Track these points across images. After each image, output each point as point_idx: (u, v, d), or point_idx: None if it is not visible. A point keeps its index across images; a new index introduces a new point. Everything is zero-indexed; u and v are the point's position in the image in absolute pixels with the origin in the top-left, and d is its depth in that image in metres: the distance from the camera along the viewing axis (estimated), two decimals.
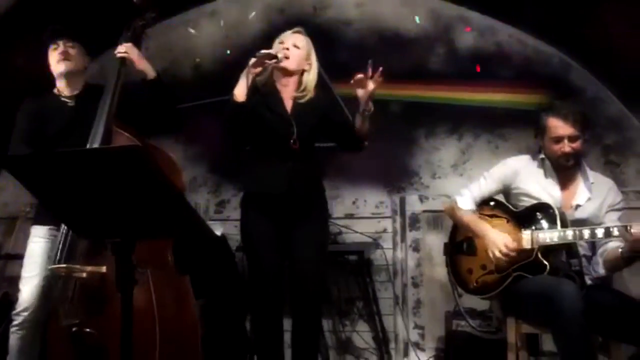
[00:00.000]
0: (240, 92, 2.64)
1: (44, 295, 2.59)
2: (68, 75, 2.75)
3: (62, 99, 2.77)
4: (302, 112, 2.78)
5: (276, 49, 2.75)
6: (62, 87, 2.78)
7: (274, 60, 2.68)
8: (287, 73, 2.78)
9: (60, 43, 2.73)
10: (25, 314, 2.59)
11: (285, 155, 2.72)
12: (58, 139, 2.65)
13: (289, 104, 2.79)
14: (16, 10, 3.80)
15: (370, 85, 2.64)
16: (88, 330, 2.24)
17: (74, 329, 2.26)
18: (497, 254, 2.63)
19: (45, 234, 2.67)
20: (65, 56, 2.72)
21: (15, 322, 2.62)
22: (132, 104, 2.65)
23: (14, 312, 2.63)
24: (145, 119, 2.70)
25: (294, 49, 2.77)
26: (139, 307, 2.26)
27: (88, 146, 2.46)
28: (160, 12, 2.86)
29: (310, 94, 2.82)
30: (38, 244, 2.67)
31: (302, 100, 2.80)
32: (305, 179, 2.78)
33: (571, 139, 2.65)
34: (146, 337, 2.26)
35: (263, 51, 2.67)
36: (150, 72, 2.70)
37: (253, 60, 2.64)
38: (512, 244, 2.62)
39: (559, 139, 2.66)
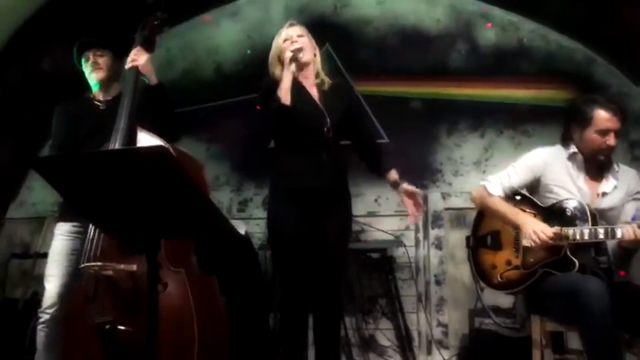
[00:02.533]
0: (285, 94, 2.64)
1: (67, 292, 2.62)
2: (102, 84, 2.83)
3: (95, 102, 2.85)
4: (330, 100, 2.82)
5: (286, 47, 2.77)
6: (97, 93, 2.87)
7: (301, 54, 2.73)
8: (306, 65, 2.82)
9: (90, 54, 2.81)
10: (51, 311, 2.63)
11: (319, 146, 2.74)
12: (86, 139, 2.71)
13: (314, 94, 2.82)
14: (41, 14, 3.87)
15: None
16: (123, 328, 2.27)
17: (107, 327, 2.28)
18: (535, 237, 2.55)
19: (69, 231, 2.71)
20: (95, 66, 2.81)
21: (41, 320, 2.65)
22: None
23: (40, 309, 2.67)
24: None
25: (301, 39, 2.81)
26: (177, 306, 2.31)
27: (110, 146, 2.50)
28: (174, 12, 2.89)
29: (325, 78, 2.87)
30: (61, 242, 2.71)
31: (325, 87, 2.85)
32: (337, 171, 2.82)
33: (617, 133, 2.63)
34: (186, 335, 2.28)
35: (293, 49, 2.71)
36: (153, 79, 2.74)
37: (290, 57, 2.67)
38: (550, 232, 2.57)
39: (606, 132, 2.62)
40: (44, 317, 2.65)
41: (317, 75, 2.86)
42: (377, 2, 4.27)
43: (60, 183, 1.78)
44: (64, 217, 2.74)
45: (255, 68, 4.20)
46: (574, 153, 2.70)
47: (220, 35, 4.43)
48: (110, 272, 2.34)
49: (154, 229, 1.82)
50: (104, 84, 2.84)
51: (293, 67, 2.68)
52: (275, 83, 2.69)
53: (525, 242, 2.62)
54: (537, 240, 2.56)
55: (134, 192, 1.70)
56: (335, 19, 4.26)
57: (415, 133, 4.09)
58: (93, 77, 2.82)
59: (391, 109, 4.09)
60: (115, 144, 2.49)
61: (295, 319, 2.77)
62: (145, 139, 2.55)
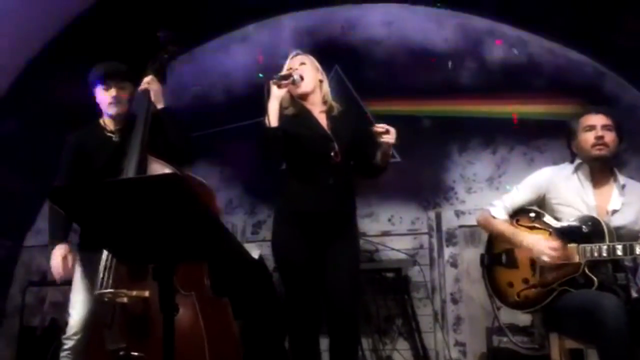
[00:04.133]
0: (272, 117, 2.68)
1: (92, 319, 2.65)
2: (118, 116, 2.84)
3: (107, 133, 2.85)
4: (339, 126, 2.83)
5: (287, 71, 2.80)
6: (108, 121, 2.87)
7: (290, 80, 2.75)
8: (309, 93, 2.84)
9: (112, 85, 2.79)
10: (76, 337, 2.65)
11: (327, 171, 2.75)
12: (104, 172, 2.72)
13: (323, 120, 2.84)
14: (57, 42, 3.95)
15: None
16: (136, 354, 2.28)
17: (121, 353, 2.29)
18: (546, 258, 2.56)
19: (90, 259, 2.72)
20: (118, 100, 2.80)
21: (65, 347, 2.67)
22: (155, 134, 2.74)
23: (65, 336, 2.69)
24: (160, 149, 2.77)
25: (302, 67, 2.83)
26: (188, 330, 2.32)
27: (124, 174, 2.53)
28: (182, 44, 2.95)
29: (334, 103, 2.88)
30: (85, 269, 2.73)
31: (334, 113, 2.86)
32: (345, 196, 2.82)
33: (605, 127, 2.64)
34: (198, 358, 2.29)
35: (279, 74, 2.75)
36: (161, 103, 2.80)
37: (273, 83, 2.71)
38: (555, 243, 2.57)
39: (591, 127, 2.65)
40: (69, 344, 2.67)
41: (324, 102, 2.88)
42: (385, 22, 4.30)
43: (75, 212, 1.80)
44: (85, 245, 2.76)
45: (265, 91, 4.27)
46: (579, 164, 2.71)
47: (230, 60, 4.48)
48: (124, 299, 2.35)
49: (168, 255, 1.83)
50: (120, 116, 2.85)
51: (279, 92, 2.70)
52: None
53: (542, 260, 2.60)
54: (553, 254, 2.55)
55: (148, 219, 1.72)
56: (343, 40, 4.29)
57: (427, 151, 4.10)
58: (112, 109, 2.81)
59: (402, 128, 4.03)
60: (129, 173, 2.52)
61: (302, 341, 2.76)
62: (157, 168, 2.58)
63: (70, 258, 2.67)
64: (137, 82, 2.83)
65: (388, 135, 2.71)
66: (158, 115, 2.78)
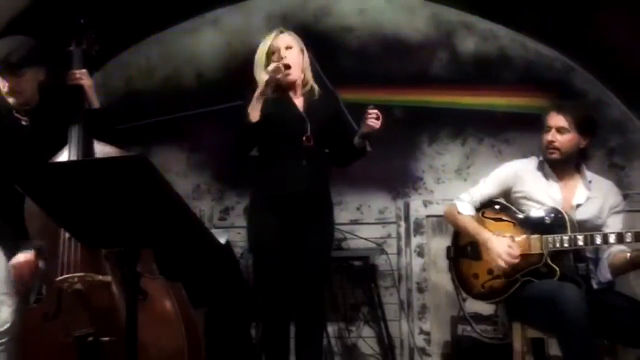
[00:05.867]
0: (255, 113, 2.65)
1: (21, 311, 2.52)
2: (19, 106, 2.60)
3: (15, 114, 2.61)
4: (315, 109, 2.81)
5: (275, 63, 2.74)
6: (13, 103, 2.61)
7: (280, 75, 2.70)
8: (294, 82, 2.82)
9: (7, 74, 2.50)
10: (10, 331, 2.52)
11: (300, 153, 2.73)
12: (13, 158, 2.49)
13: (300, 103, 2.82)
14: None
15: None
16: (106, 338, 2.24)
17: (89, 339, 2.24)
18: (502, 263, 2.61)
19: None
20: (14, 91, 2.53)
21: None
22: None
23: None
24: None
25: (289, 52, 2.78)
26: (165, 312, 2.29)
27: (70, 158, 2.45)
28: (155, 19, 2.79)
29: (315, 86, 2.86)
30: (5, 261, 2.56)
31: (314, 97, 2.84)
32: (319, 178, 2.81)
33: (559, 130, 2.66)
34: (176, 342, 2.27)
35: (269, 69, 2.69)
36: (95, 102, 2.66)
37: (266, 80, 2.66)
38: (516, 251, 2.61)
39: (548, 129, 2.68)
40: (3, 338, 2.53)
41: (305, 84, 2.84)
42: (359, 10, 4.28)
43: (38, 194, 1.76)
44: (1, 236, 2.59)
45: (237, 76, 4.21)
46: (541, 160, 2.74)
47: (200, 43, 4.41)
48: (79, 286, 2.30)
49: (134, 239, 1.80)
50: (24, 105, 2.60)
51: (268, 90, 2.67)
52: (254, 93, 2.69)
53: (496, 266, 2.63)
54: (505, 267, 2.59)
55: (113, 202, 1.68)
56: (316, 27, 4.26)
57: (397, 141, 4.10)
58: (11, 99, 2.55)
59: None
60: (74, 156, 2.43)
61: (276, 327, 2.76)
62: (105, 150, 2.51)
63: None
64: (55, 60, 2.63)
65: (377, 121, 2.70)
66: (91, 114, 2.62)
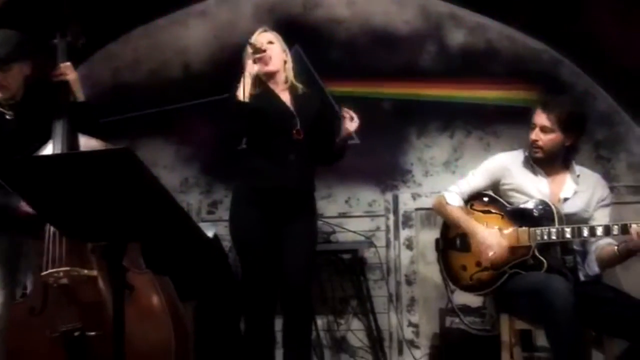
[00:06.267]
0: (244, 91, 2.65)
1: (8, 305, 2.50)
2: (4, 100, 2.57)
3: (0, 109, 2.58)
4: (303, 104, 2.83)
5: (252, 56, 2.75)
6: None
7: (263, 55, 2.72)
8: (274, 73, 2.83)
9: None
10: None
11: (288, 147, 2.73)
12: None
13: (286, 97, 2.82)
14: None
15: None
16: (93, 333, 2.22)
17: (76, 334, 2.23)
18: (491, 255, 2.62)
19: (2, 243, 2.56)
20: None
21: None
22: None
23: None
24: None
25: (270, 46, 2.80)
26: (152, 306, 2.28)
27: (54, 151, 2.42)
28: (143, 11, 2.76)
29: (297, 84, 2.87)
30: None
31: (299, 93, 2.85)
32: (306, 173, 2.81)
33: (543, 129, 2.65)
34: (164, 335, 2.26)
35: (250, 45, 2.71)
36: (80, 96, 2.63)
37: (251, 58, 2.68)
38: (504, 243, 2.62)
39: (533, 126, 2.68)
40: None
41: (286, 81, 2.86)
42: (348, 2, 4.26)
43: (21, 187, 1.73)
44: None
45: (225, 69, 4.18)
46: (526, 156, 2.74)
47: (188, 35, 4.37)
48: (65, 280, 2.28)
49: (120, 233, 1.78)
50: (9, 99, 2.58)
51: (254, 68, 2.68)
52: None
53: (484, 261, 2.65)
54: (494, 259, 2.61)
55: (98, 195, 1.67)
56: (305, 19, 4.24)
57: (386, 134, 4.10)
58: None
59: (362, 109, 4.05)
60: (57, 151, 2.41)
61: (258, 320, 2.76)
62: (90, 143, 2.50)
63: None
64: (40, 53, 2.59)
65: (351, 122, 2.72)
66: (76, 108, 2.59)
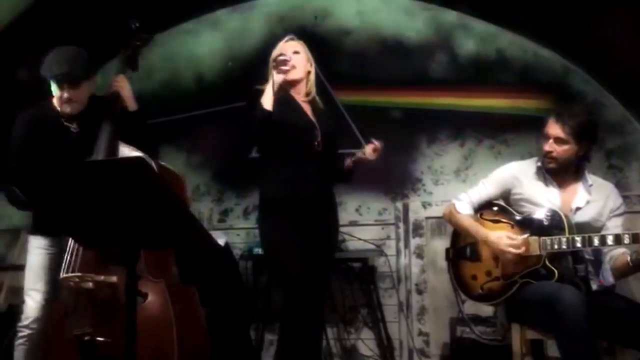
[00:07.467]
0: (268, 101, 2.65)
1: (48, 307, 2.59)
2: (71, 114, 2.68)
3: (65, 122, 2.69)
4: (323, 116, 2.86)
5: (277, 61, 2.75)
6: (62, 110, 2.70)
7: (288, 66, 2.71)
8: (297, 82, 2.84)
9: (65, 87, 2.59)
10: (34, 326, 2.58)
11: (307, 158, 2.75)
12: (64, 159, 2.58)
13: (307, 109, 2.84)
14: (18, 23, 3.82)
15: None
16: (102, 339, 2.25)
17: (86, 338, 2.26)
18: (508, 253, 2.60)
19: (44, 245, 2.66)
20: (71, 101, 2.63)
21: (20, 334, 2.61)
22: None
23: (20, 324, 2.62)
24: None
25: (296, 56, 2.81)
26: (158, 316, 2.30)
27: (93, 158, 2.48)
28: (153, 32, 2.89)
29: (317, 98, 2.89)
30: (39, 255, 2.66)
31: (319, 107, 2.88)
32: (325, 182, 2.83)
33: (557, 140, 2.63)
34: (166, 345, 2.28)
35: (278, 57, 2.71)
36: (132, 105, 2.75)
37: (276, 69, 2.68)
38: (517, 239, 2.61)
39: (546, 137, 2.66)
40: (25, 332, 2.59)
41: (308, 93, 2.87)
42: (357, 12, 4.29)
43: (37, 194, 1.76)
44: (38, 230, 2.68)
45: (236, 78, 4.21)
46: (539, 166, 2.73)
47: (199, 45, 4.41)
48: (90, 285, 2.31)
49: (132, 239, 1.80)
50: (76, 113, 2.68)
51: (279, 77, 2.67)
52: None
53: (505, 258, 2.64)
54: (515, 251, 2.59)
55: (113, 203, 1.69)
56: (315, 29, 4.27)
57: (396, 142, 4.10)
58: (65, 109, 2.64)
59: (372, 118, 4.11)
60: (99, 157, 2.48)
61: (304, 332, 2.67)
62: (126, 152, 2.54)
63: None
64: (101, 67, 2.75)
65: (373, 153, 2.78)
66: (128, 116, 2.71)
